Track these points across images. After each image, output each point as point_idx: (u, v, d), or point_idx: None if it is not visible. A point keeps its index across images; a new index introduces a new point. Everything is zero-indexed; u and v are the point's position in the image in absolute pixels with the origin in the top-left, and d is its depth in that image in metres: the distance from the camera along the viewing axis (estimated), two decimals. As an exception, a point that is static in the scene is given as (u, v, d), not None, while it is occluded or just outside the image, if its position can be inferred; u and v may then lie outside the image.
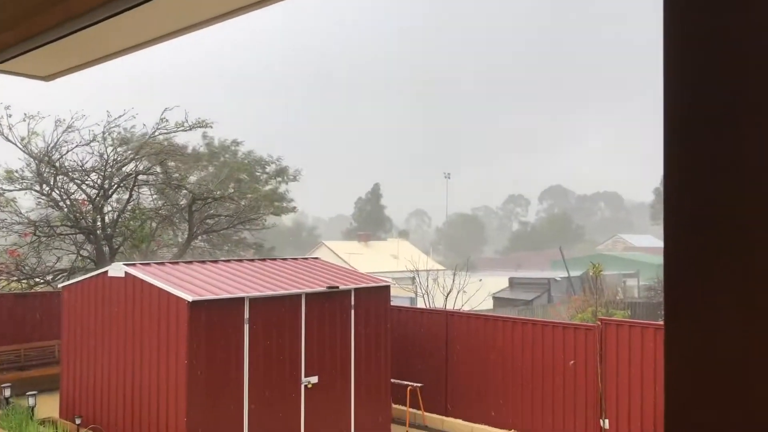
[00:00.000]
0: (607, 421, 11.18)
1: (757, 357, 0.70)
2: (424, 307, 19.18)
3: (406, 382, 13.40)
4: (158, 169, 20.20)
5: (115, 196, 19.63)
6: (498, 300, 29.44)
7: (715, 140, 0.75)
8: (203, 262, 12.91)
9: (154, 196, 20.81)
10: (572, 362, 11.39)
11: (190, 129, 19.64)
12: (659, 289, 27.51)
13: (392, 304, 13.35)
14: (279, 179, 24.80)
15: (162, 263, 12.29)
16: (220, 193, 20.39)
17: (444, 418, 13.31)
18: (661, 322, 11.01)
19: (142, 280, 10.71)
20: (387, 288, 12.64)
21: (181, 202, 20.67)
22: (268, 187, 24.16)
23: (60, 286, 13.84)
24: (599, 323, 11.51)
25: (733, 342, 0.72)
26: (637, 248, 69.95)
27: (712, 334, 0.74)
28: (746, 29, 0.72)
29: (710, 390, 0.72)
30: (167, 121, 19.36)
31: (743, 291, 0.73)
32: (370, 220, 76.83)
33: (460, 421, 13.11)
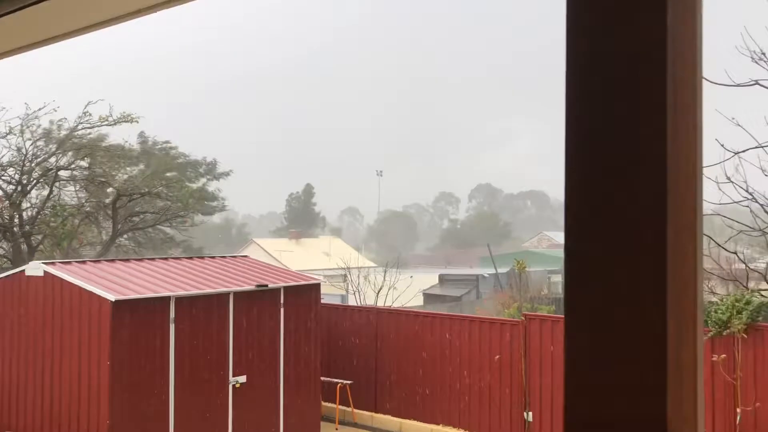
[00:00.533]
0: (530, 413, 11.49)
1: (647, 347, 0.76)
2: (354, 304, 19.27)
3: (335, 380, 13.42)
4: (83, 163, 19.57)
5: (34, 192, 18.91)
6: (428, 296, 29.51)
7: (611, 149, 0.81)
8: (127, 260, 12.58)
9: (78, 192, 20.11)
10: (497, 357, 11.65)
11: (115, 123, 19.03)
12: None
13: (323, 301, 13.33)
14: (208, 177, 24.52)
15: (83, 262, 11.90)
16: (147, 190, 19.86)
17: (373, 414, 13.40)
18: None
19: (62, 279, 10.36)
20: (317, 286, 12.62)
21: (107, 200, 20.03)
22: (197, 185, 23.74)
23: (-27, 286, 13.19)
24: (524, 319, 11.81)
25: (625, 334, 0.78)
26: (561, 245, 71.58)
27: (608, 326, 0.79)
28: (640, 49, 0.78)
29: (605, 375, 0.77)
30: (90, 114, 18.77)
31: (634, 289, 0.78)
32: (302, 218, 75.51)
33: (389, 417, 13.22)
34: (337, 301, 19.12)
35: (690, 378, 0.78)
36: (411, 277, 24.93)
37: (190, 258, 13.57)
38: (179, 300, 10.39)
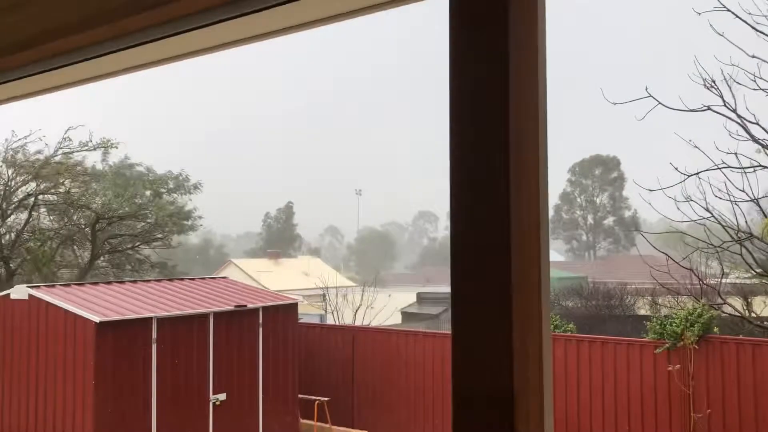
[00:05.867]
0: None
1: (494, 337, 1.09)
2: (332, 323, 19.48)
3: (313, 397, 13.22)
4: (62, 188, 19.40)
5: (12, 216, 19.00)
6: (406, 315, 28.92)
7: (489, 198, 1.07)
8: (109, 282, 12.61)
9: (52, 217, 20.02)
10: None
11: (95, 149, 19.35)
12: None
13: (301, 321, 13.48)
14: (181, 192, 23.64)
15: (67, 285, 11.83)
16: (124, 212, 19.80)
17: (350, 430, 13.36)
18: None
19: (47, 302, 10.52)
20: (294, 305, 12.74)
21: (82, 222, 20.06)
22: (173, 205, 23.18)
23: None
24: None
25: (494, 337, 1.10)
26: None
27: (473, 323, 1.12)
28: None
29: (473, 359, 1.10)
30: (71, 140, 18.59)
31: (486, 294, 1.11)
32: (280, 238, 74.61)
33: (366, 432, 13.19)
34: (315, 321, 19.06)
35: (535, 361, 1.07)
36: (389, 296, 25.36)
37: (171, 280, 13.57)
38: (161, 321, 10.57)
